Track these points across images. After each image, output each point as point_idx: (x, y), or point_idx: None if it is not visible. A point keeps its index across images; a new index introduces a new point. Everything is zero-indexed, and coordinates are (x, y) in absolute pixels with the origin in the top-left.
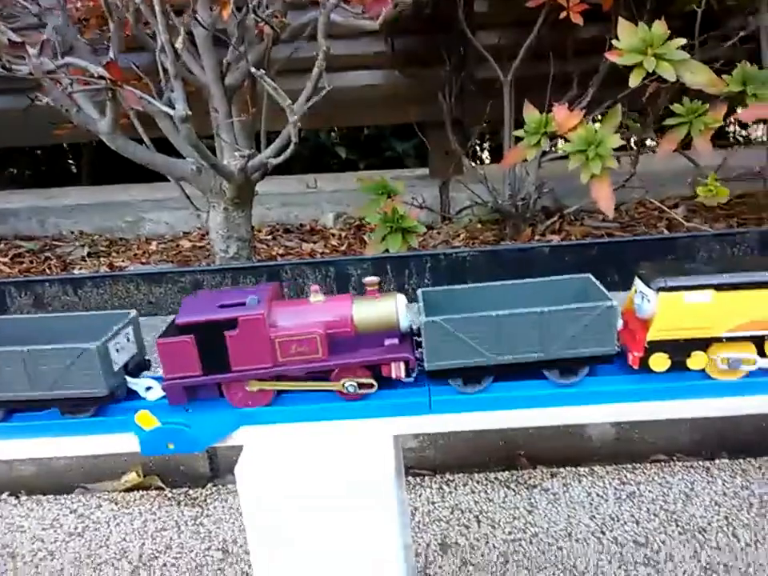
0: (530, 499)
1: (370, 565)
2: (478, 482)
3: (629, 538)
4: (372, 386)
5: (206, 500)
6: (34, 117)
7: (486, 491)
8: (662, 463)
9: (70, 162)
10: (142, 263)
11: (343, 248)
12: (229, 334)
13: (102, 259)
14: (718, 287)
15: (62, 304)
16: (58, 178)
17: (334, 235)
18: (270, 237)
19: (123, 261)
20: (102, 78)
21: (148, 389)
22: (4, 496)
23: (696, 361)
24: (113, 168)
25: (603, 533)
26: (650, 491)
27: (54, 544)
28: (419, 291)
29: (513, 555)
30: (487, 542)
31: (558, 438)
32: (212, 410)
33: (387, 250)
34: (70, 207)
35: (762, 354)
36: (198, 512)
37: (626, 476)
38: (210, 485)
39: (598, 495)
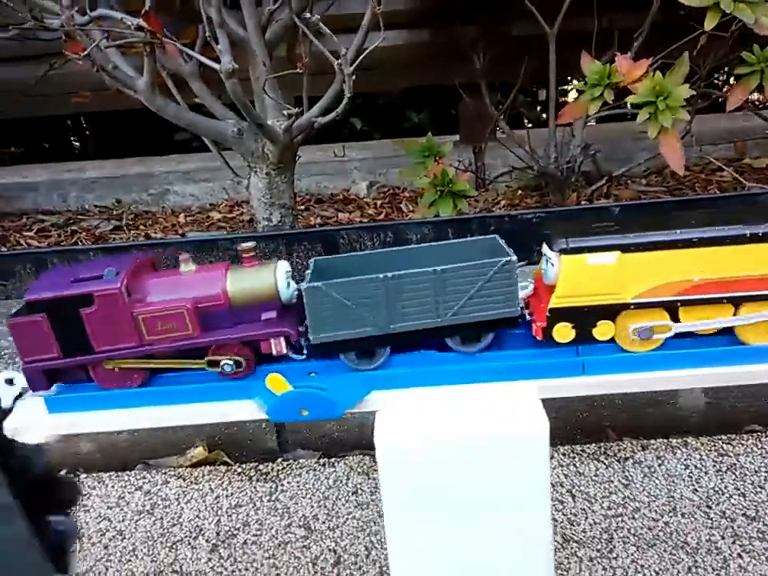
0: (623, 472)
1: (518, 531)
2: (564, 455)
3: (738, 511)
4: (249, 364)
5: (278, 475)
6: (49, 86)
7: (574, 465)
8: (758, 434)
9: (73, 136)
10: (180, 235)
11: (381, 217)
12: (84, 311)
13: (132, 232)
14: (625, 248)
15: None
16: (61, 153)
17: (368, 204)
18: (302, 207)
19: (156, 233)
20: (140, 29)
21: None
22: (62, 474)
23: (602, 331)
24: (120, 142)
25: (709, 506)
26: (750, 463)
27: (122, 523)
28: (311, 260)
29: (617, 531)
30: (586, 518)
31: (644, 408)
32: (346, 373)
33: (437, 215)
34: (92, 180)
35: (676, 321)
36: (271, 487)
37: (722, 447)
38: (280, 459)
39: (696, 468)
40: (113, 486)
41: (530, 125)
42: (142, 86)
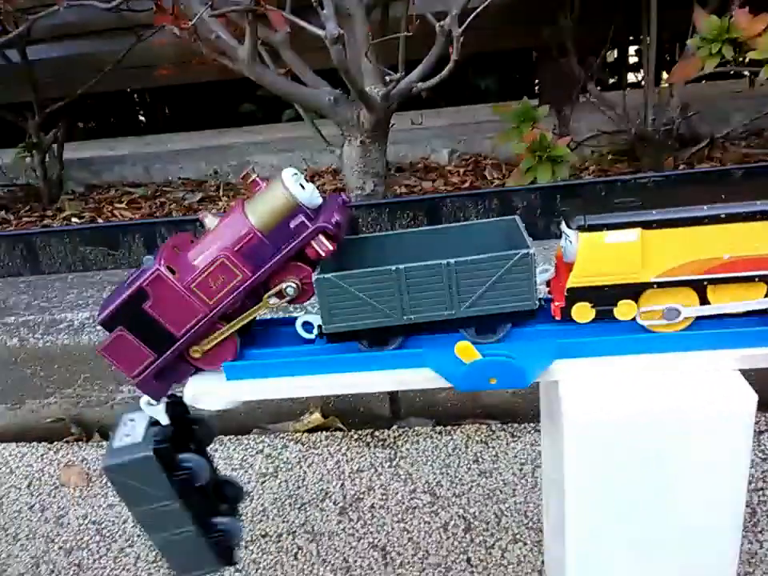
0: (758, 446)
1: (709, 513)
2: None
3: None
4: (307, 287)
5: (395, 442)
6: (134, 59)
7: None
8: None
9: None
10: None
11: (466, 185)
12: (146, 305)
13: (220, 203)
14: (646, 224)
15: None
16: (128, 128)
17: (451, 172)
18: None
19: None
20: None
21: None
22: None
23: (624, 310)
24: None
25: None
26: None
27: (248, 485)
28: None
29: (759, 506)
30: None
31: None
32: (531, 340)
33: (534, 181)
34: (174, 153)
35: (704, 301)
36: (390, 454)
37: None
38: (395, 427)
39: None
40: (234, 449)
41: (598, 87)
42: (243, 54)
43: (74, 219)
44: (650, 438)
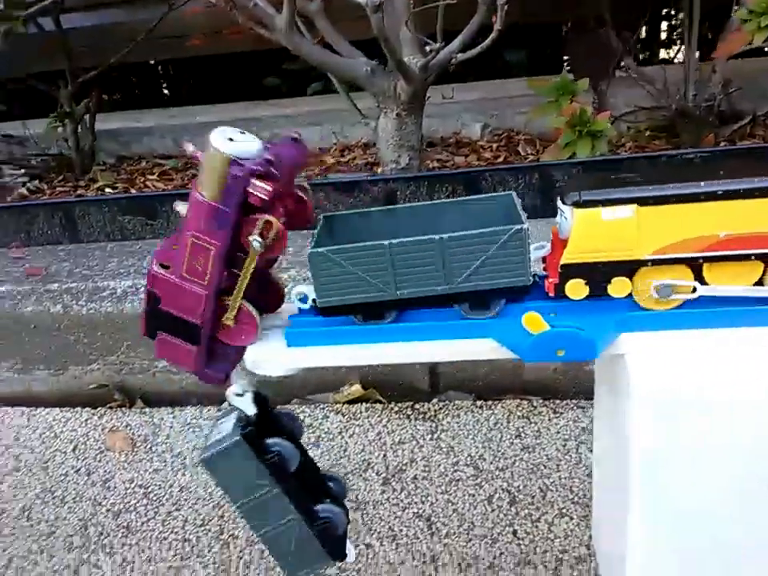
0: None
1: None
2: None
3: None
4: (281, 234)
5: (436, 415)
6: (164, 29)
7: None
8: None
9: (162, 82)
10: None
11: (500, 160)
12: (162, 306)
13: None
14: (642, 201)
15: None
16: (153, 100)
17: (483, 147)
18: None
19: None
20: None
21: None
22: (225, 405)
23: (617, 287)
24: (210, 88)
25: None
26: None
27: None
28: (320, 216)
29: None
30: None
31: None
32: (598, 312)
33: (572, 156)
34: (202, 125)
35: (700, 280)
36: (431, 426)
37: None
38: (435, 400)
39: None
40: None
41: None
42: (281, 23)
43: (107, 190)
44: (722, 413)
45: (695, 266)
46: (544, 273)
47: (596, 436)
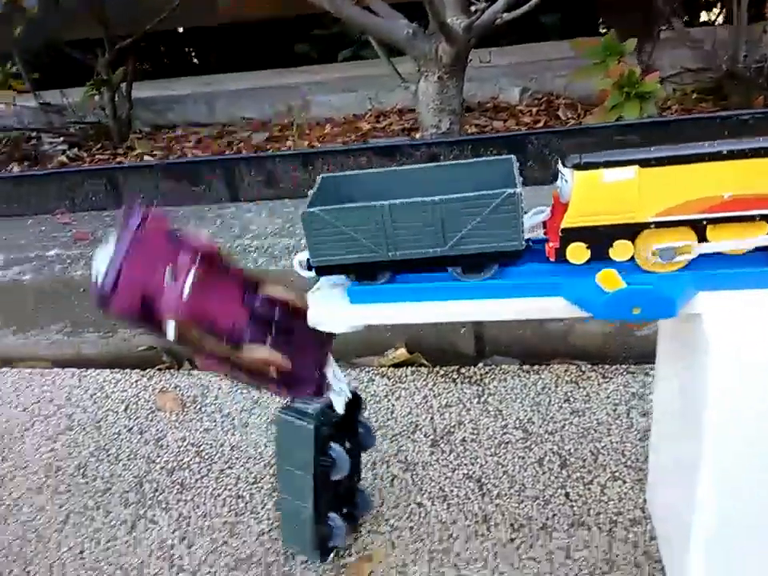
0: None
1: None
2: None
3: None
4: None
5: (482, 379)
6: None
7: None
8: None
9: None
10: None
11: (539, 125)
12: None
13: (287, 142)
14: (644, 162)
15: (292, 180)
16: (177, 69)
17: (522, 112)
18: None
19: (311, 143)
20: None
21: None
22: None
23: (619, 251)
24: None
25: None
26: None
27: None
28: (319, 177)
29: None
30: None
31: None
32: (674, 272)
33: (619, 118)
34: (235, 93)
35: (703, 240)
36: (478, 390)
37: None
38: (481, 364)
39: None
40: None
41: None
42: None
43: (145, 158)
44: None
45: (699, 228)
46: (544, 237)
47: (657, 398)
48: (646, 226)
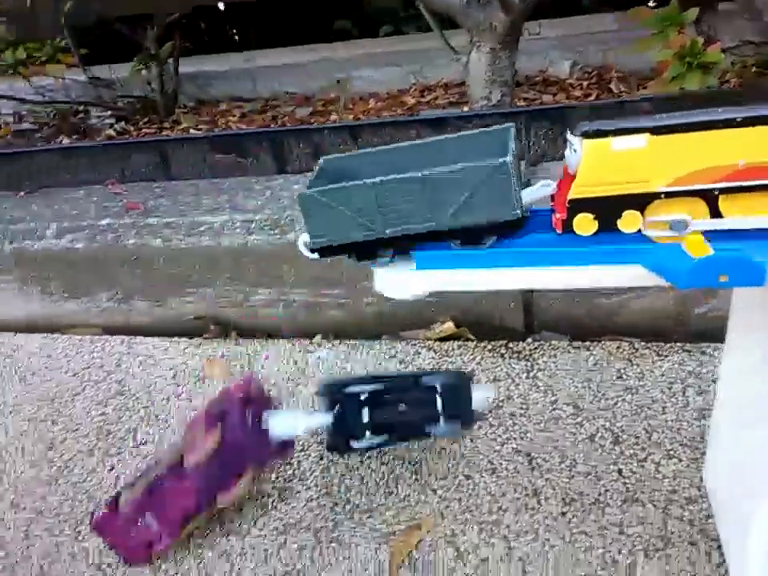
0: None
1: None
2: None
3: None
4: None
5: (531, 355)
6: None
7: None
8: None
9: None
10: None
11: (591, 98)
12: None
13: (332, 116)
14: (655, 130)
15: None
16: (217, 44)
17: (572, 85)
18: None
19: (360, 116)
20: None
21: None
22: (317, 339)
23: (628, 222)
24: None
25: None
26: None
27: None
28: (321, 160)
29: None
30: None
31: None
32: (762, 237)
33: (681, 89)
34: (278, 68)
35: (715, 213)
36: (527, 365)
37: None
38: (529, 340)
39: None
40: (367, 354)
41: None
42: None
43: (190, 132)
44: None
45: (711, 198)
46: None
47: (725, 375)
48: (656, 196)
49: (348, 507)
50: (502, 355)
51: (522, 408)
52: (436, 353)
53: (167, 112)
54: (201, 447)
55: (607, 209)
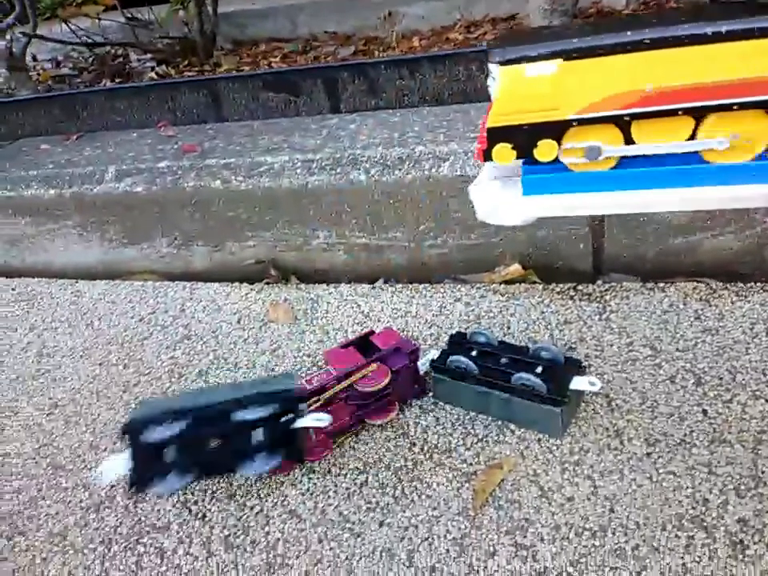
0: None
1: None
2: None
3: None
4: None
5: (602, 297)
6: None
7: None
8: None
9: None
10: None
11: None
12: None
13: (377, 54)
14: (567, 54)
15: (396, 90)
16: None
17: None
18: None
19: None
20: None
21: None
22: (379, 283)
23: (543, 151)
24: None
25: None
26: None
27: (452, 328)
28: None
29: None
30: None
31: None
32: None
33: None
34: (317, 5)
35: (629, 140)
36: (599, 307)
37: None
38: (599, 282)
39: None
40: (431, 297)
41: None
42: None
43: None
44: None
45: (623, 125)
46: None
47: None
48: (568, 124)
49: (426, 447)
50: (572, 297)
51: (596, 350)
52: (503, 296)
53: (206, 54)
54: (374, 378)
55: (523, 137)
